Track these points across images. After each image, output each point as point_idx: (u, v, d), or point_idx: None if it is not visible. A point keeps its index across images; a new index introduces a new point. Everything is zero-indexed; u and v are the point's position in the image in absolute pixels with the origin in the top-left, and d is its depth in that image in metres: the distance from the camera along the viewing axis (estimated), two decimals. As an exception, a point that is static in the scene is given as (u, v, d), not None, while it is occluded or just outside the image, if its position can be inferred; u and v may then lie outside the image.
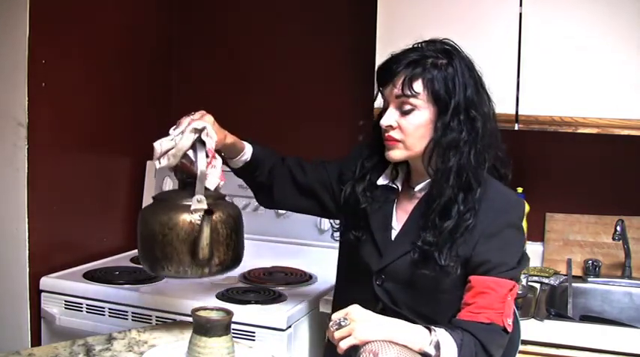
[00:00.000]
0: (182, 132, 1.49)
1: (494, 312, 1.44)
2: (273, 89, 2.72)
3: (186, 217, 1.48)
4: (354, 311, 1.38)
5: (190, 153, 1.50)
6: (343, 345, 1.35)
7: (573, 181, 2.41)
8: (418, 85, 1.46)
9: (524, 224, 2.24)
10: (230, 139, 1.60)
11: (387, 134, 1.51)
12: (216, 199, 1.54)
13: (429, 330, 1.39)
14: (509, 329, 1.46)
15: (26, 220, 2.14)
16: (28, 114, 2.11)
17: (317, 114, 2.64)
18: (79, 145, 2.37)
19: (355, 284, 1.61)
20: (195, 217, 1.47)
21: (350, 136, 2.50)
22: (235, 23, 2.76)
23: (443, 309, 1.51)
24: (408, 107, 1.48)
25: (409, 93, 1.46)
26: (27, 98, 2.10)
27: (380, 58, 2.21)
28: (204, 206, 1.47)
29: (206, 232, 1.46)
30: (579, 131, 2.08)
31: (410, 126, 1.48)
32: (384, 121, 1.50)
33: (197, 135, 1.49)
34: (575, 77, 2.06)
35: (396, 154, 1.52)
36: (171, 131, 1.52)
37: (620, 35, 2.01)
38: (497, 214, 1.50)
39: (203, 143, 1.49)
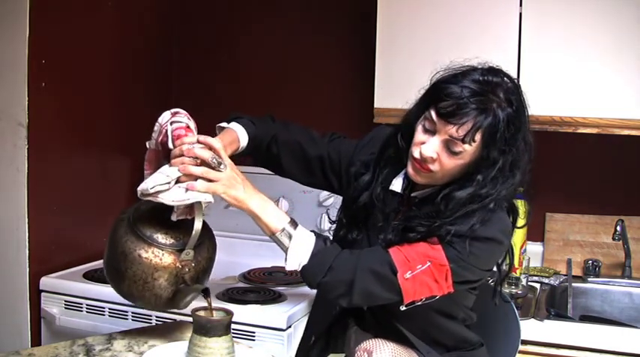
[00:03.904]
0: (178, 181, 1.39)
1: (402, 254, 1.40)
2: (273, 90, 2.72)
3: (172, 269, 1.45)
4: (233, 166, 1.44)
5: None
6: (200, 187, 1.38)
7: (573, 181, 2.41)
8: (479, 135, 1.38)
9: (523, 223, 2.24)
10: (229, 151, 1.53)
11: (423, 163, 1.43)
12: (199, 238, 1.48)
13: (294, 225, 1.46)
14: (400, 284, 1.38)
15: (26, 220, 2.14)
16: (28, 114, 2.11)
17: (317, 114, 2.64)
18: (79, 145, 2.37)
19: None
20: (181, 269, 1.45)
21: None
22: (235, 23, 2.76)
23: (413, 312, 1.47)
24: (458, 149, 1.39)
25: (468, 140, 1.38)
26: (27, 98, 2.10)
27: (380, 57, 2.22)
28: (191, 257, 1.46)
29: (191, 296, 1.47)
30: (579, 131, 2.08)
31: (451, 165, 1.42)
32: (427, 152, 1.41)
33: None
34: (575, 77, 2.06)
35: (422, 179, 1.47)
36: (163, 169, 1.42)
37: (620, 35, 2.01)
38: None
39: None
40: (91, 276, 2.23)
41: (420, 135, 1.44)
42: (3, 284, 2.19)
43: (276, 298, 2.07)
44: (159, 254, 1.45)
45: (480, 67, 1.44)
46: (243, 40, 2.74)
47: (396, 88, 2.11)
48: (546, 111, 2.07)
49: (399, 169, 1.55)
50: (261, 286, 2.19)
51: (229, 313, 1.45)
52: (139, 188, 1.41)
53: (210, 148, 1.43)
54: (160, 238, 1.46)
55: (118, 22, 2.48)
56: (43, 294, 2.19)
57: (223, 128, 1.60)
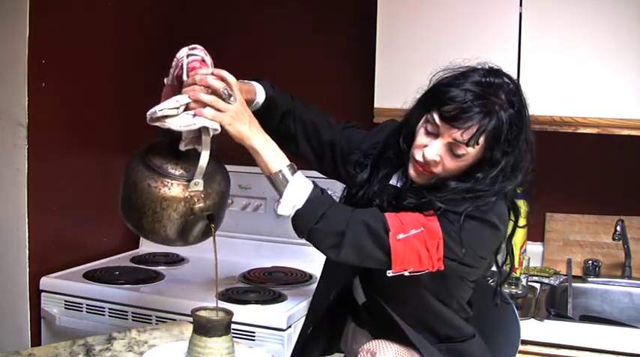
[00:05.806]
0: (186, 108, 1.39)
1: (398, 218, 1.39)
2: (273, 89, 2.72)
3: (180, 199, 1.43)
4: (243, 103, 1.43)
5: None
6: (208, 113, 1.37)
7: (573, 181, 2.41)
8: (482, 138, 1.38)
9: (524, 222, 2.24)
10: (244, 96, 1.51)
11: (426, 166, 1.43)
12: (211, 172, 1.47)
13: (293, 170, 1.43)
14: (391, 244, 1.37)
15: (26, 220, 2.14)
16: (28, 114, 2.11)
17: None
18: (79, 145, 2.37)
19: (340, 269, 1.60)
20: (190, 199, 1.44)
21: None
22: (235, 23, 2.76)
23: (408, 295, 1.49)
24: (461, 152, 1.39)
25: (472, 143, 1.38)
26: (27, 98, 2.10)
27: (380, 57, 2.22)
28: (200, 188, 1.44)
29: (200, 227, 1.46)
30: (579, 131, 2.08)
31: (454, 167, 1.42)
32: (430, 155, 1.41)
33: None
34: (575, 77, 2.06)
35: (423, 181, 1.46)
36: (177, 98, 1.41)
37: (620, 35, 2.01)
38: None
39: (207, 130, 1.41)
40: (91, 276, 2.23)
41: (422, 138, 1.43)
42: (3, 284, 2.19)
43: (276, 298, 2.07)
44: (167, 184, 1.44)
45: (480, 67, 1.43)
46: (243, 40, 2.74)
47: (396, 88, 2.11)
48: (546, 111, 2.07)
49: (397, 168, 1.55)
50: (261, 286, 2.19)
51: (229, 313, 1.45)
52: (148, 112, 1.40)
53: (223, 79, 1.44)
54: (170, 168, 1.46)
55: (118, 22, 2.48)
56: (43, 294, 2.19)
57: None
